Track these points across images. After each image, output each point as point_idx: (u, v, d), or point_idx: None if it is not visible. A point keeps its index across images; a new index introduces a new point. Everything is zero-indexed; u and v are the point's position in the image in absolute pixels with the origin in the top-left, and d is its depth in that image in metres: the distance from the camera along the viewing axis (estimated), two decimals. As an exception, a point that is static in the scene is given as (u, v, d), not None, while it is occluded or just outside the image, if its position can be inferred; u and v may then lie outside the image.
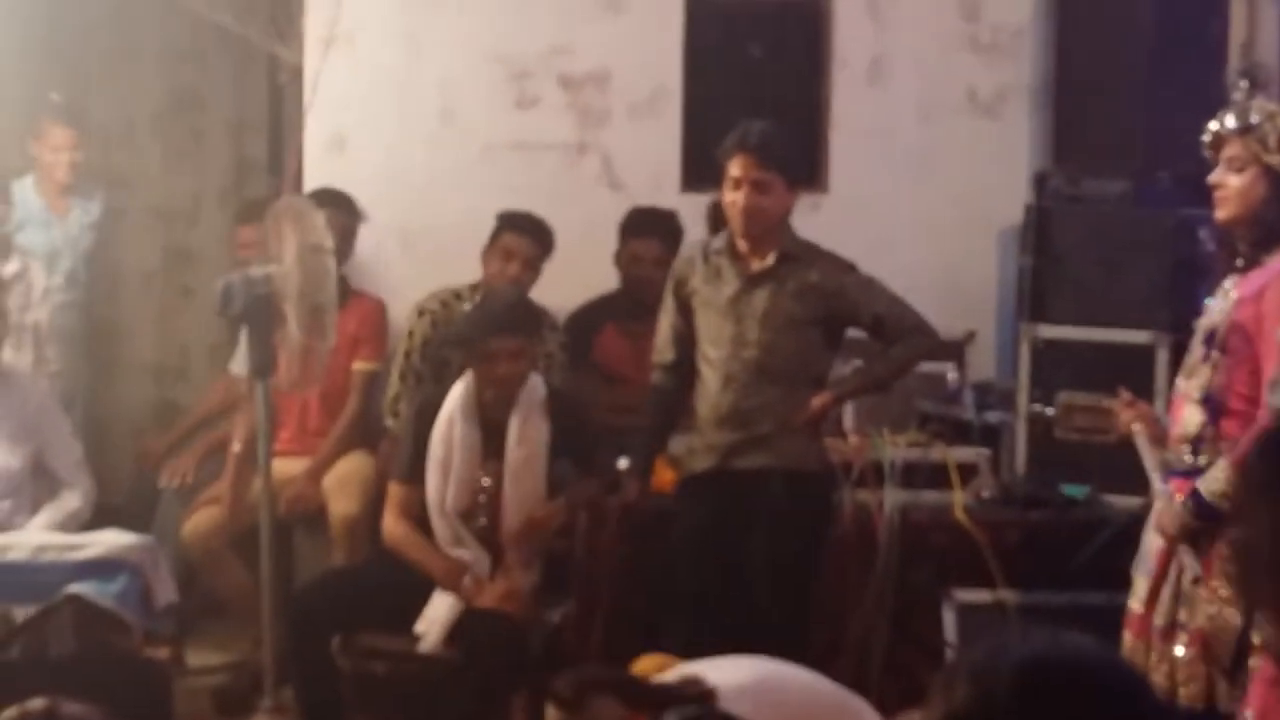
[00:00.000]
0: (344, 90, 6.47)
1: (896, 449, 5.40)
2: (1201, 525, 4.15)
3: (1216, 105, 4.46)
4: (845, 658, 4.85)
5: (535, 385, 5.26)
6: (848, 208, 6.40)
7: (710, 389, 4.95)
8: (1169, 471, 4.31)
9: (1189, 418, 4.25)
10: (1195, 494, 4.15)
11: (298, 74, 6.56)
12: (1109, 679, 1.66)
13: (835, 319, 5.00)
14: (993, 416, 5.74)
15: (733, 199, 4.89)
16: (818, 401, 4.95)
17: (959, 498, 5.34)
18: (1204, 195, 4.42)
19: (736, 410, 4.92)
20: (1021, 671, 1.62)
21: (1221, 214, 4.25)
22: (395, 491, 5.34)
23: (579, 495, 5.28)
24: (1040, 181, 5.98)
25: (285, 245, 5.43)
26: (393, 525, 5.29)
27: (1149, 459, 4.35)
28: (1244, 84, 4.30)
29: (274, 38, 6.58)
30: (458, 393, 5.23)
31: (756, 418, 4.92)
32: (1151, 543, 4.35)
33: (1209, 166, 4.33)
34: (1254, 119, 4.17)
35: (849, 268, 5.06)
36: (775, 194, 4.90)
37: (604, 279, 6.25)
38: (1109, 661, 1.69)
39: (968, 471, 5.45)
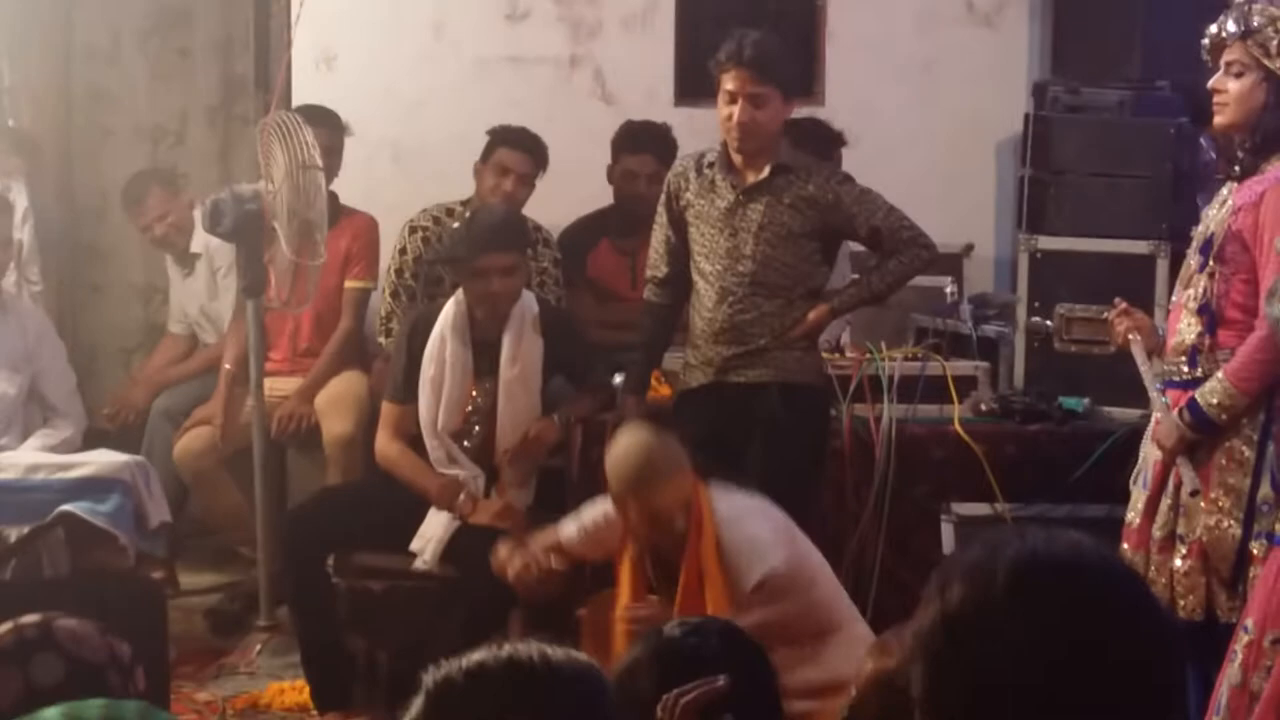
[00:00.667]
0: (333, 6, 6.40)
1: (893, 363, 5.36)
2: (1198, 436, 4.13)
3: (1216, 12, 4.40)
4: (843, 572, 4.81)
5: (528, 302, 5.22)
6: (844, 119, 6.31)
7: (705, 303, 4.90)
8: (1166, 383, 4.28)
9: (1185, 328, 4.22)
10: (1192, 405, 4.12)
11: (284, -12, 6.47)
12: (1104, 576, 1.63)
13: (831, 231, 4.94)
14: (991, 329, 5.70)
15: (728, 112, 4.81)
16: (814, 315, 4.90)
17: (957, 411, 5.30)
18: (1204, 104, 4.36)
19: (732, 324, 4.87)
20: (1016, 570, 1.59)
21: (1220, 120, 4.20)
22: (388, 411, 5.30)
23: (574, 412, 5.25)
24: (1039, 92, 5.91)
25: (274, 162, 5.38)
26: (385, 445, 5.25)
27: (1145, 370, 4.32)
28: None
29: (259, -48, 6.50)
30: (449, 311, 5.18)
31: (752, 332, 4.87)
32: (1149, 455, 4.32)
33: (1209, 75, 4.26)
34: (1256, 22, 4.11)
35: (845, 178, 5.00)
36: (771, 107, 4.82)
37: (597, 195, 6.18)
38: (1104, 559, 1.66)
39: (966, 385, 5.41)
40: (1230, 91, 4.15)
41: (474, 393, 5.21)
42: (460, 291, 5.22)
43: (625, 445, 4.21)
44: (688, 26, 6.47)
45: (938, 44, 6.52)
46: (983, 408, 5.36)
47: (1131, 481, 4.43)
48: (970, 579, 1.60)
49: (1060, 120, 5.69)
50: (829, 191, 4.90)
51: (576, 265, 6.09)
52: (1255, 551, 4.07)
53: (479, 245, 5.13)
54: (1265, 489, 4.04)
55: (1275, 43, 4.08)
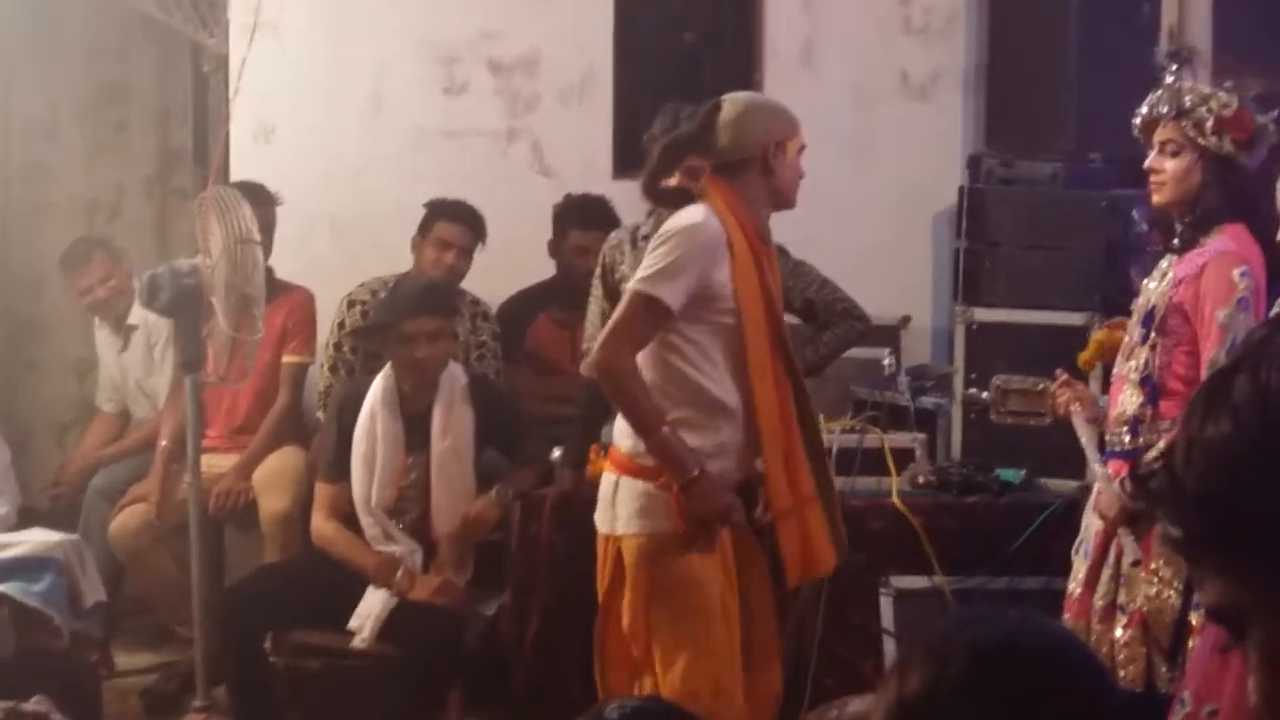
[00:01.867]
0: (271, 78, 6.38)
1: (832, 435, 5.36)
2: (1140, 507, 4.15)
3: (1147, 87, 4.46)
4: (783, 645, 4.79)
5: (456, 373, 5.23)
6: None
7: None
8: (1108, 453, 4.31)
9: (1127, 399, 4.25)
10: (1134, 475, 4.15)
11: (223, 63, 6.47)
12: (1064, 660, 1.63)
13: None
14: (928, 401, 5.72)
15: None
16: None
17: (895, 483, 5.31)
18: (1136, 176, 4.41)
19: None
20: (972, 655, 1.59)
21: (1158, 198, 4.25)
22: (321, 490, 5.29)
23: (513, 488, 5.23)
24: (973, 164, 5.96)
25: (212, 237, 5.36)
26: (321, 525, 5.23)
27: (1086, 441, 4.35)
28: (1173, 66, 4.30)
29: (198, 26, 6.50)
30: (378, 385, 5.19)
31: None
32: (1091, 525, 4.35)
33: (1140, 147, 4.32)
34: (1188, 102, 4.17)
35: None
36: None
37: (535, 268, 6.19)
38: (1065, 642, 1.66)
39: (904, 457, 5.42)
40: (1167, 171, 4.20)
41: (407, 467, 5.20)
42: (388, 366, 5.22)
43: None
44: (625, 100, 6.50)
45: (874, 118, 6.56)
46: (920, 480, 5.37)
47: (1073, 552, 4.45)
48: (926, 663, 1.60)
49: (994, 192, 5.74)
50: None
51: (515, 339, 6.09)
52: (1194, 622, 4.09)
53: (404, 311, 5.15)
54: None
55: (1209, 122, 4.13)
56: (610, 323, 4.10)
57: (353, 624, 5.06)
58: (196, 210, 5.49)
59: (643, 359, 4.12)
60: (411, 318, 5.11)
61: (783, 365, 4.25)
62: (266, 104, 6.43)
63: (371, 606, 5.05)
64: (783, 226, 5.61)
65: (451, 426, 5.15)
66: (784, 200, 4.35)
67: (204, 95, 6.87)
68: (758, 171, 4.22)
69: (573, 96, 6.57)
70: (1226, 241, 4.14)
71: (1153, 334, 4.19)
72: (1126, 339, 4.34)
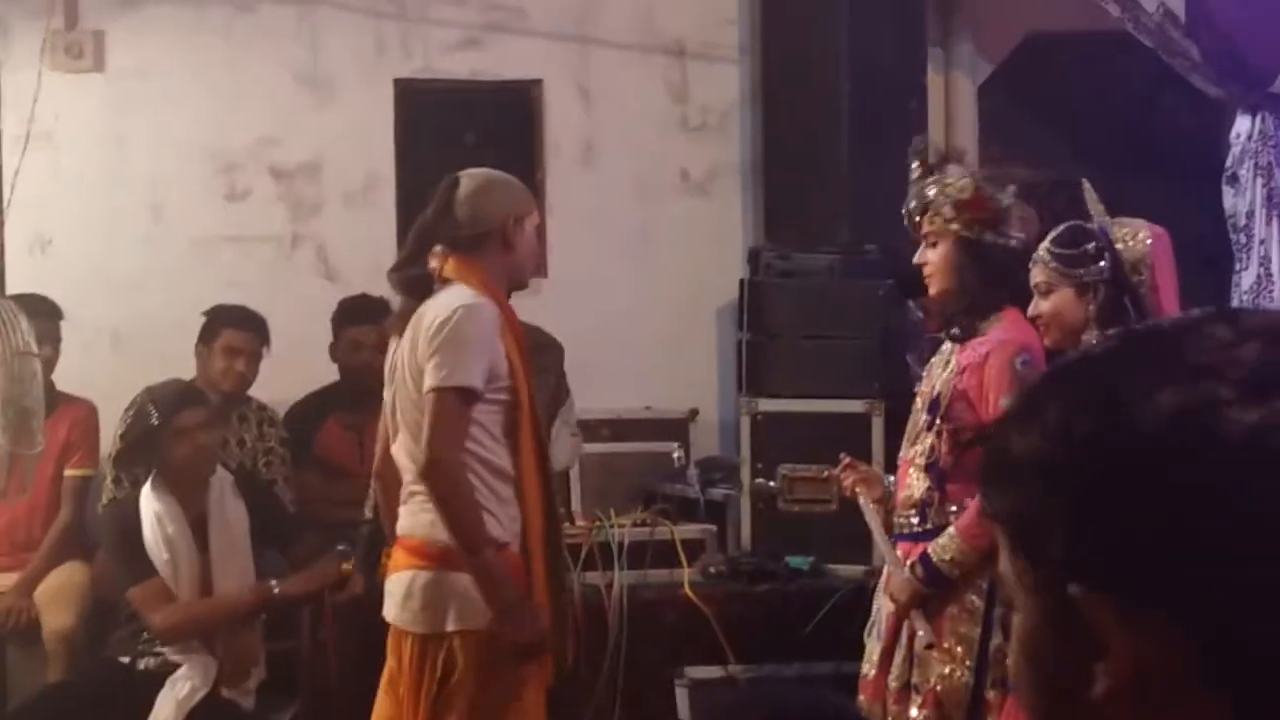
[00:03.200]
0: (46, 189, 6.31)
1: (623, 529, 5.40)
2: (931, 591, 4.23)
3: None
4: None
5: (222, 473, 5.17)
6: (567, 290, 6.41)
7: None
8: (897, 536, 4.39)
9: (915, 483, 4.33)
10: (925, 560, 4.22)
11: (-5, 174, 6.37)
12: None
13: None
14: (718, 492, 5.79)
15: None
16: None
17: (687, 574, 5.36)
18: (910, 265, 4.53)
19: None
20: None
21: (932, 290, 4.36)
22: (142, 593, 5.09)
23: (289, 592, 5.15)
24: (753, 257, 6.08)
25: (-14, 350, 5.25)
26: (162, 620, 5.04)
27: (873, 524, 4.42)
28: (915, 165, 4.45)
29: (-33, 137, 6.39)
30: (151, 493, 5.10)
31: None
32: (883, 607, 4.41)
33: (911, 237, 4.44)
34: (930, 194, 4.30)
35: (561, 350, 5.11)
36: None
37: (322, 372, 6.16)
38: (841, 713, 1.71)
39: (695, 548, 5.48)
40: (932, 262, 4.32)
41: (203, 571, 5.11)
42: (153, 476, 5.13)
43: None
44: (409, 201, 6.50)
45: (655, 213, 6.66)
46: (711, 570, 5.43)
47: (865, 634, 4.51)
48: None
49: (773, 285, 5.85)
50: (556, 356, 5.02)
51: (303, 444, 6.04)
52: (990, 698, 4.16)
53: (170, 407, 5.09)
54: (998, 638, 4.15)
55: (948, 206, 4.26)
56: (427, 429, 3.98)
57: (142, 741, 4.94)
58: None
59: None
60: (179, 411, 5.06)
61: (539, 451, 4.23)
62: (43, 215, 6.34)
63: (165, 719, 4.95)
64: (574, 325, 5.68)
65: (226, 524, 5.09)
66: (520, 278, 4.32)
67: (-23, 207, 6.74)
68: (497, 247, 4.18)
69: (356, 200, 6.58)
70: (1007, 328, 4.24)
71: (938, 420, 4.28)
72: (911, 424, 4.43)
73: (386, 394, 4.28)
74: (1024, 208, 4.32)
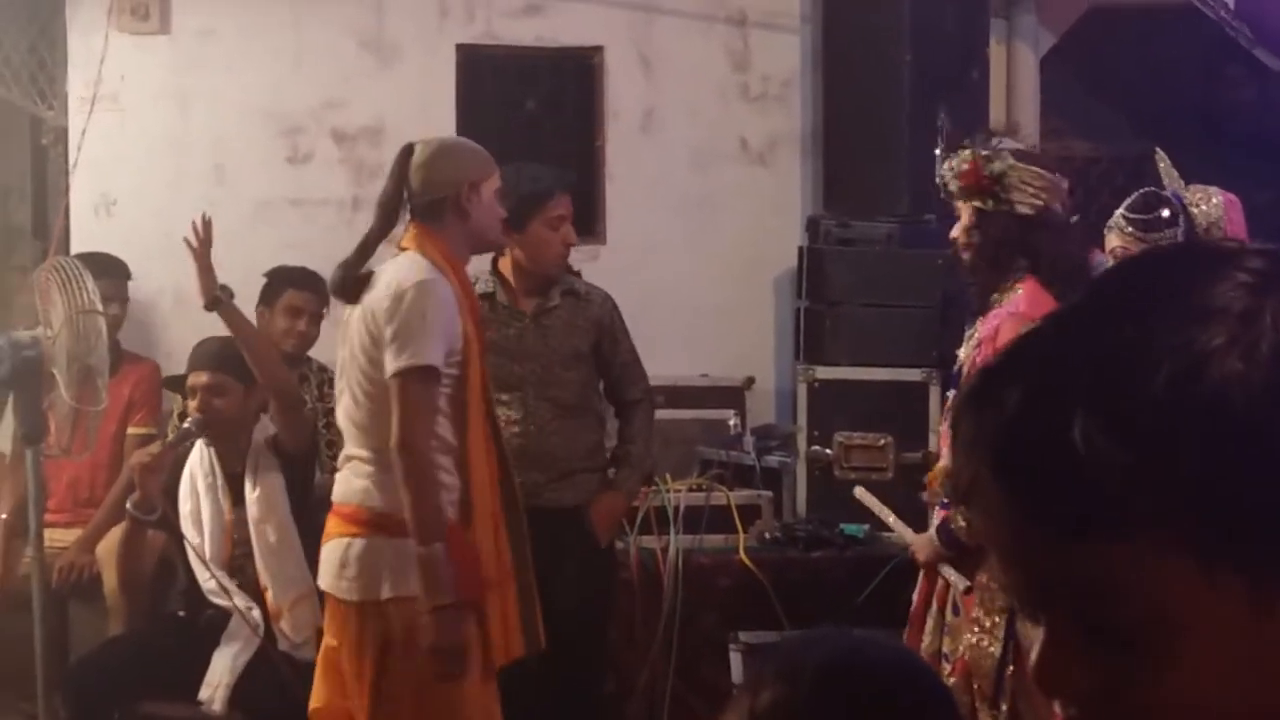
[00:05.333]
0: (111, 151, 6.36)
1: (679, 494, 5.43)
2: (950, 554, 4.26)
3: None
4: (633, 704, 4.85)
5: (264, 429, 5.18)
6: (625, 256, 6.44)
7: (510, 430, 4.82)
8: (941, 503, 4.41)
9: (948, 454, 4.35)
10: (943, 526, 4.26)
11: (62, 135, 6.43)
12: (908, 673, 1.68)
13: (599, 356, 5.03)
14: (773, 459, 5.81)
15: (561, 236, 4.87)
16: (609, 506, 4.97)
17: (742, 540, 5.38)
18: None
19: (540, 449, 4.90)
20: (821, 669, 1.64)
21: (965, 258, 4.34)
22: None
23: None
24: (811, 226, 6.09)
25: (53, 308, 5.31)
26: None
27: (873, 504, 4.51)
28: (939, 149, 4.44)
29: (35, 99, 6.45)
30: (196, 448, 5.16)
31: (560, 455, 4.91)
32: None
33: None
34: (945, 172, 4.29)
35: (615, 305, 5.12)
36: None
37: (383, 334, 6.19)
38: (907, 658, 1.72)
39: (750, 514, 5.50)
40: (956, 235, 4.31)
41: (233, 523, 5.15)
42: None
43: None
44: (470, 167, 6.54)
45: (714, 182, 6.67)
46: (767, 536, 5.45)
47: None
48: (776, 681, 1.64)
49: (832, 253, 5.86)
50: (607, 315, 5.01)
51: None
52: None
53: (189, 366, 5.18)
54: None
55: (952, 180, 4.25)
56: (397, 413, 3.92)
57: (203, 694, 4.99)
58: (36, 281, 5.43)
59: (369, 413, 4.05)
60: (192, 371, 5.11)
61: (490, 426, 4.18)
62: (108, 176, 6.39)
63: (220, 674, 4.99)
64: (630, 290, 5.71)
65: (260, 482, 5.11)
66: (484, 243, 4.28)
67: (43, 169, 6.81)
68: (453, 214, 4.13)
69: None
70: (1019, 301, 4.21)
71: None
72: (949, 396, 4.45)
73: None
74: (1040, 174, 4.25)
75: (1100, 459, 0.94)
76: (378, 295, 4.04)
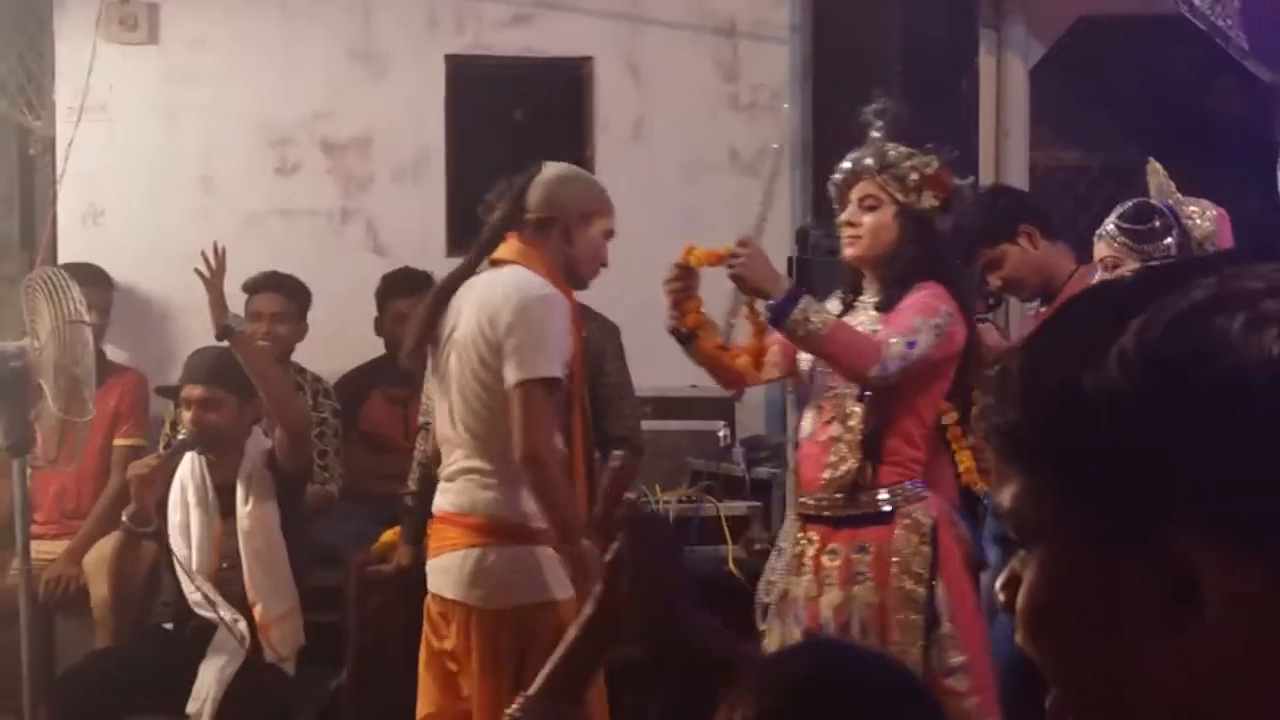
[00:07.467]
0: (99, 161, 6.35)
1: (668, 505, 5.42)
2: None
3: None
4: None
5: (261, 442, 5.17)
6: (615, 267, 6.38)
7: None
8: (812, 518, 4.35)
9: (837, 460, 4.30)
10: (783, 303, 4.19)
11: (50, 145, 6.42)
12: (889, 691, 1.67)
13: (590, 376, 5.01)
14: (763, 470, 5.79)
15: (605, 250, 4.69)
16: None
17: (731, 551, 5.37)
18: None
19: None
20: (802, 685, 1.63)
21: (853, 251, 4.23)
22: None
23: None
24: (801, 236, 6.07)
25: (39, 319, 5.30)
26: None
27: None
28: (879, 124, 4.32)
29: (23, 110, 6.44)
30: (186, 457, 5.15)
31: None
32: (799, 596, 4.32)
33: (839, 193, 4.34)
34: (890, 157, 4.18)
35: (615, 330, 5.10)
36: None
37: (370, 347, 6.19)
38: (890, 673, 1.71)
39: (740, 525, 5.49)
40: (864, 225, 4.19)
41: (223, 534, 5.13)
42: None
43: None
44: (458, 177, 6.54)
45: (704, 192, 6.66)
46: (756, 547, 5.44)
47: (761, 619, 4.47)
48: (758, 694, 1.64)
49: (822, 264, 5.84)
50: (601, 339, 5.00)
51: (349, 417, 6.07)
52: (946, 683, 4.06)
53: (183, 379, 5.16)
54: (946, 626, 4.06)
55: (911, 178, 4.17)
56: (520, 424, 3.98)
57: (190, 707, 4.97)
58: (23, 292, 5.42)
59: (489, 424, 4.09)
60: (187, 384, 5.10)
61: (586, 438, 4.27)
62: (95, 186, 6.38)
63: (208, 687, 4.97)
64: (620, 301, 5.70)
65: (252, 496, 5.10)
66: (577, 275, 4.32)
67: (31, 179, 6.79)
68: (559, 236, 4.21)
69: (406, 175, 6.60)
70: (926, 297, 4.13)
71: (868, 392, 4.17)
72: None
73: (431, 361, 4.28)
74: (968, 195, 4.24)
75: (1139, 445, 0.96)
76: (493, 302, 4.07)
